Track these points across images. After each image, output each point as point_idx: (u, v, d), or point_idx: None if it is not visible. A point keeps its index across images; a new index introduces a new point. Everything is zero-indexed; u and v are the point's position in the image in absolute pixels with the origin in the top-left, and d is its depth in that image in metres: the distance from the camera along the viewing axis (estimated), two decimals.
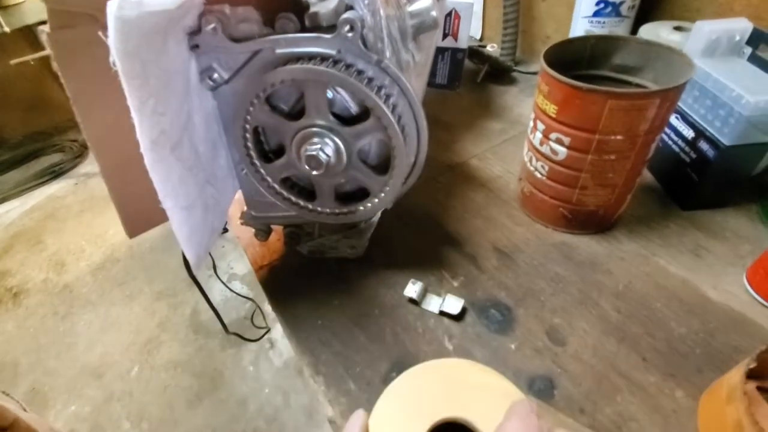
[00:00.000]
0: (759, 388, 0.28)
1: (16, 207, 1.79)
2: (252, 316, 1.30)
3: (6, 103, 2.01)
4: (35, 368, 1.22)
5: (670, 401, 0.29)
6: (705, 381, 0.29)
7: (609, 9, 0.51)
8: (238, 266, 1.52)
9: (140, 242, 1.60)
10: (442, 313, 0.35)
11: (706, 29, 0.38)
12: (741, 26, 0.38)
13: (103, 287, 1.45)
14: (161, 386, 1.18)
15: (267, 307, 1.33)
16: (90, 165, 2.03)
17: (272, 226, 0.41)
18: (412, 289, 0.36)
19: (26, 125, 2.10)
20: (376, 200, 0.33)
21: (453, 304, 0.35)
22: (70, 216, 1.74)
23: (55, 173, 1.90)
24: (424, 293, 0.36)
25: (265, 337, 1.26)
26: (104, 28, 0.24)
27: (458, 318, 0.35)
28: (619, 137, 0.33)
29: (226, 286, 1.35)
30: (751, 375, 0.25)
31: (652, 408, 0.29)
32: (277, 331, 1.28)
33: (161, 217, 0.36)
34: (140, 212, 0.33)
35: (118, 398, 1.15)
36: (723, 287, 0.36)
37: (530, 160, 0.40)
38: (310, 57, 0.28)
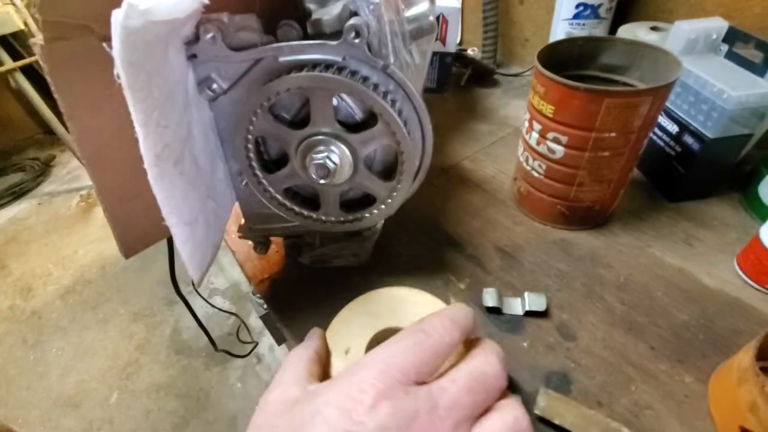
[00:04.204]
0: (762, 369, 0.30)
1: None
2: (237, 331, 1.26)
3: None
4: (6, 401, 1.15)
5: (681, 387, 0.30)
6: (711, 365, 0.31)
7: (588, 11, 0.53)
8: (218, 281, 1.48)
9: (113, 261, 1.54)
10: (528, 314, 0.35)
11: (685, 28, 0.40)
12: (717, 25, 0.40)
13: (74, 311, 1.38)
14: (144, 411, 1.12)
15: (252, 321, 1.30)
16: (53, 184, 1.94)
17: (271, 238, 0.40)
18: (491, 299, 0.35)
19: None
20: (383, 206, 0.33)
21: (537, 300, 0.34)
22: (34, 238, 1.65)
23: (15, 194, 1.80)
24: (501, 298, 0.35)
25: (252, 352, 1.23)
26: (101, 38, 0.22)
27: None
28: (613, 134, 0.34)
29: (208, 302, 1.30)
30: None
31: (665, 395, 0.30)
32: (264, 345, 1.25)
33: (157, 235, 0.34)
34: (136, 231, 0.31)
35: (97, 428, 1.09)
36: (717, 274, 0.37)
37: (526, 160, 0.41)
38: (314, 64, 0.27)
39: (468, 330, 0.22)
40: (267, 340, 1.24)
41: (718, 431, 0.27)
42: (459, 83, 0.68)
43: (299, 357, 0.24)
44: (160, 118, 0.23)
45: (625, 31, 0.50)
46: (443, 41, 0.57)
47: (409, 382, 0.19)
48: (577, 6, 0.53)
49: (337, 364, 0.26)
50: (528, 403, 0.29)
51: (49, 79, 0.22)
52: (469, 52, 0.69)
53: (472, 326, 0.22)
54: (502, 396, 0.21)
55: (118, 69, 0.20)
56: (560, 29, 0.56)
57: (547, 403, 0.28)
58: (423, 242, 0.42)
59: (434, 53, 0.59)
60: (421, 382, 0.19)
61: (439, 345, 0.20)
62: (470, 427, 0.19)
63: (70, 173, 1.98)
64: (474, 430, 0.19)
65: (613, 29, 0.54)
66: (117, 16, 0.19)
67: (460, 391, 0.19)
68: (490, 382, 0.20)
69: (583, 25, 0.54)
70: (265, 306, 0.43)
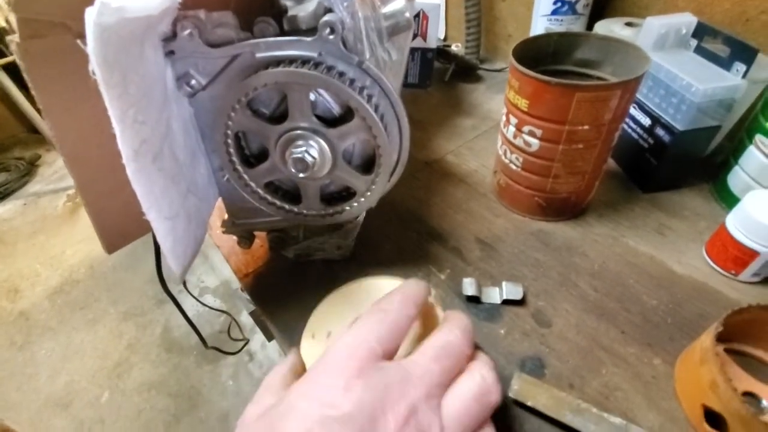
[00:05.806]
0: (726, 350, 0.31)
1: None
2: (228, 329, 1.27)
3: None
4: None
5: (650, 369, 0.31)
6: (678, 347, 0.32)
7: (566, 8, 0.54)
8: (208, 279, 1.48)
9: (101, 261, 1.52)
10: (506, 302, 0.36)
11: (655, 24, 0.41)
12: (686, 20, 0.41)
13: (62, 312, 1.37)
14: (135, 410, 1.12)
15: (243, 319, 1.30)
16: (39, 184, 1.91)
17: (255, 233, 0.40)
18: (470, 288, 0.36)
19: None
20: (363, 199, 0.34)
21: (513, 290, 0.36)
22: (20, 239, 1.63)
23: (0, 194, 1.77)
24: (480, 288, 0.37)
25: (244, 349, 1.23)
26: (77, 36, 0.23)
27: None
28: (586, 127, 0.35)
29: (198, 301, 1.30)
30: (719, 339, 0.28)
31: (634, 376, 0.31)
32: (256, 342, 1.26)
33: (139, 230, 0.35)
34: (118, 226, 0.32)
35: (88, 428, 1.09)
36: (686, 261, 0.38)
37: (504, 153, 0.42)
38: (291, 60, 0.28)
39: (422, 302, 0.24)
40: (258, 337, 1.24)
41: (684, 410, 0.29)
42: (443, 78, 0.69)
43: (275, 372, 0.25)
44: (137, 114, 0.24)
45: (602, 27, 0.51)
46: (424, 37, 0.58)
47: (377, 359, 0.20)
48: (555, 2, 0.54)
49: (319, 348, 0.27)
50: (503, 387, 0.30)
51: (26, 76, 0.23)
52: (453, 47, 0.70)
53: (426, 298, 0.25)
54: (473, 358, 0.23)
55: (93, 66, 0.21)
56: (540, 25, 0.57)
57: (520, 386, 0.29)
58: (406, 235, 0.43)
59: (416, 49, 0.60)
60: (389, 357, 0.21)
61: (398, 319, 0.22)
62: (443, 392, 0.20)
63: (57, 173, 1.96)
64: (447, 394, 0.20)
65: (590, 25, 0.56)
66: (90, 14, 0.19)
67: (428, 361, 0.21)
68: (454, 349, 0.22)
69: (561, 21, 0.55)
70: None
